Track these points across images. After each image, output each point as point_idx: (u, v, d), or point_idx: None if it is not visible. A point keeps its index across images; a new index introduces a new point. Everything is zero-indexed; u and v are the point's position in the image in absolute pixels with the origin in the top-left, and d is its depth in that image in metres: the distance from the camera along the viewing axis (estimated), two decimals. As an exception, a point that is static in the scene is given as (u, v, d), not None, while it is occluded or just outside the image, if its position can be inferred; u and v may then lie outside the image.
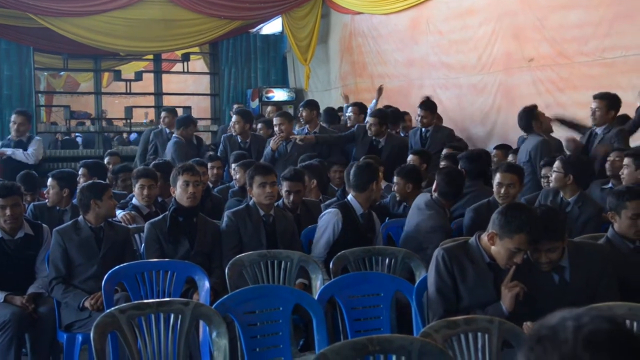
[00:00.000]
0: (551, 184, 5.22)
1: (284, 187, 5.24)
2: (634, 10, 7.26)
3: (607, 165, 5.63)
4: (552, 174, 5.16)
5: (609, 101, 6.17)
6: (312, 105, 8.13)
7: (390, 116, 8.10)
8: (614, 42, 7.44)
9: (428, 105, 7.86)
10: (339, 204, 5.03)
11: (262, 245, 4.70)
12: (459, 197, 5.24)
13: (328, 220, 4.85)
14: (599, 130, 6.22)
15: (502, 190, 4.88)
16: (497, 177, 4.94)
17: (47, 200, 5.71)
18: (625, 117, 6.68)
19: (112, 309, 3.16)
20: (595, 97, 6.20)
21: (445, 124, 8.79)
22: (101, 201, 4.53)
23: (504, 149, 7.43)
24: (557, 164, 5.12)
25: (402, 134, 8.55)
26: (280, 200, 5.36)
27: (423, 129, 7.75)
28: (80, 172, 6.35)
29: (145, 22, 11.59)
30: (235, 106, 10.81)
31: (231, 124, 8.12)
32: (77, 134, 12.87)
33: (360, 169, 4.99)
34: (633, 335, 1.23)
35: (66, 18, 11.08)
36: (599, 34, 7.62)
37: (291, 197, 5.23)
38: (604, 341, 1.18)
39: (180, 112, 10.09)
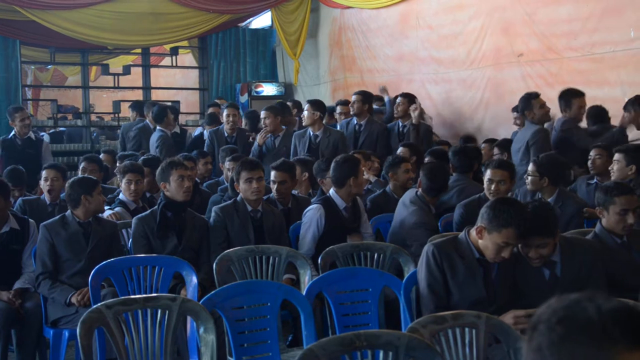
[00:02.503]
0: (528, 187, 5.19)
1: (271, 176, 5.29)
2: (622, 5, 7.28)
3: (589, 162, 5.64)
4: (527, 178, 5.14)
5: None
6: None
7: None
8: (602, 38, 7.46)
9: (405, 94, 7.91)
10: (322, 199, 5.04)
11: (249, 240, 4.69)
12: (443, 192, 5.24)
13: (311, 216, 4.89)
14: None
15: (493, 187, 4.88)
16: (488, 174, 4.94)
17: (37, 195, 5.69)
18: (599, 108, 6.69)
19: (99, 304, 3.13)
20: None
21: (434, 118, 8.81)
22: (92, 197, 4.50)
23: (492, 142, 7.44)
24: (531, 167, 5.11)
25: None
26: (272, 194, 5.37)
27: (400, 124, 7.76)
28: (84, 166, 6.30)
29: (133, 15, 11.52)
30: (217, 101, 10.82)
31: (224, 118, 8.05)
32: (61, 128, 12.77)
33: (338, 164, 4.99)
34: None
35: (53, 11, 10.99)
36: (588, 29, 7.64)
37: (275, 187, 5.28)
38: (629, 318, 1.21)
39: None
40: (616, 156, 5.26)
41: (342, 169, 4.95)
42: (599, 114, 6.64)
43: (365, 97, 7.77)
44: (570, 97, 6.40)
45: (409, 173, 5.69)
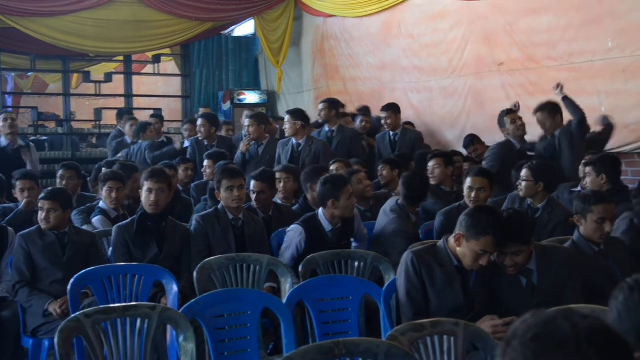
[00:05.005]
0: (520, 193, 5.22)
1: (251, 186, 5.26)
2: (600, 16, 7.36)
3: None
4: (521, 183, 5.15)
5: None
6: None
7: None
8: (581, 47, 7.54)
9: (390, 106, 7.94)
10: (305, 219, 4.79)
11: (231, 249, 4.67)
12: (423, 200, 5.26)
13: (291, 238, 4.72)
14: None
15: (473, 194, 4.91)
16: (468, 181, 4.97)
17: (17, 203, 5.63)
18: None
19: (77, 313, 3.11)
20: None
21: (416, 127, 8.86)
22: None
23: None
24: (525, 172, 5.12)
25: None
26: (252, 202, 5.37)
27: (391, 133, 7.83)
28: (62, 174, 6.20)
29: (115, 23, 11.47)
30: (201, 110, 10.83)
31: (197, 127, 8.09)
32: (43, 136, 12.69)
33: (321, 183, 4.78)
34: (618, 332, 1.28)
35: (34, 18, 10.92)
36: (567, 39, 7.72)
37: (254, 197, 5.27)
38: (603, 337, 1.21)
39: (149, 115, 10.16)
40: (587, 169, 5.34)
41: (324, 189, 4.71)
42: None
43: (331, 103, 7.88)
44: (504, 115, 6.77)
45: (362, 183, 5.67)
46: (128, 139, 8.83)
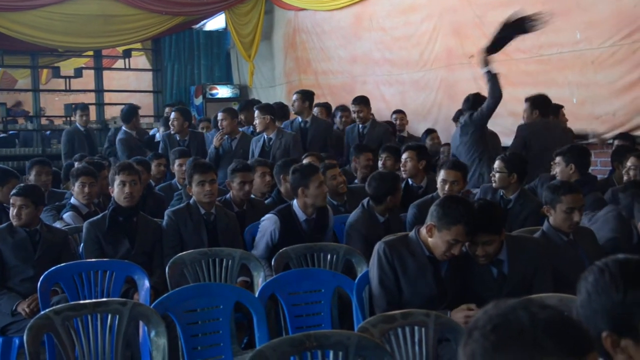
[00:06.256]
0: (494, 185, 5.23)
1: (238, 179, 5.21)
2: (568, 8, 7.44)
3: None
4: (495, 175, 5.17)
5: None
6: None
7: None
8: (549, 40, 7.60)
9: (361, 99, 7.97)
10: (280, 209, 4.83)
11: (203, 243, 4.66)
12: (383, 201, 5.05)
13: (266, 227, 4.73)
14: None
15: (447, 187, 4.94)
16: (442, 174, 5.00)
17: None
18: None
19: (47, 310, 3.09)
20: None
21: (389, 120, 8.90)
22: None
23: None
24: (498, 163, 5.14)
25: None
26: (228, 195, 5.34)
27: (360, 126, 7.85)
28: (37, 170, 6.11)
29: (84, 17, 11.31)
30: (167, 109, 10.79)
31: (170, 121, 8.09)
32: (12, 132, 12.52)
33: (291, 172, 4.84)
34: (577, 322, 1.29)
35: (1, 13, 10.75)
36: (536, 32, 7.77)
37: (246, 188, 5.23)
38: (561, 328, 1.22)
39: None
40: (556, 159, 5.40)
41: (293, 178, 4.77)
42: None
43: (304, 95, 7.94)
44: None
45: (336, 179, 5.64)
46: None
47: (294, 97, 7.97)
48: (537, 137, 6.38)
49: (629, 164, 5.42)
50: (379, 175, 4.99)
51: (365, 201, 4.93)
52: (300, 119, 7.86)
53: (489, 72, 6.24)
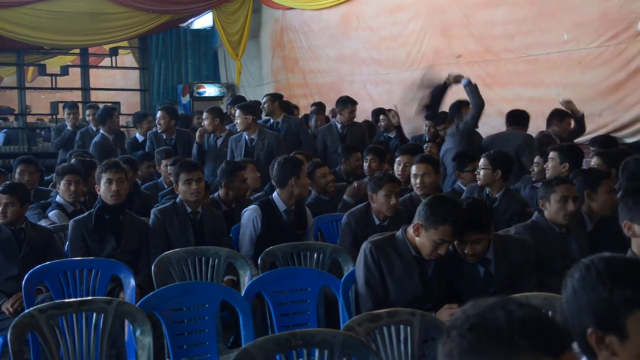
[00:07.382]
0: (479, 182, 5.25)
1: (238, 177, 5.37)
2: (556, 8, 7.48)
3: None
4: (480, 172, 5.19)
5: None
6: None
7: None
8: (537, 40, 7.65)
9: (347, 100, 7.96)
10: (261, 200, 4.99)
11: (189, 242, 4.64)
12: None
13: (248, 217, 4.83)
14: None
15: (418, 181, 5.02)
16: (413, 169, 5.07)
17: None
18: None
19: (31, 308, 3.06)
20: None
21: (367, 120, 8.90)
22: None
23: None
24: (483, 161, 5.17)
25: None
26: (216, 194, 5.37)
27: (339, 125, 7.81)
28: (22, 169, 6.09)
29: (70, 15, 11.26)
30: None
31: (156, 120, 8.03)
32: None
33: (279, 164, 4.93)
34: (554, 321, 1.28)
35: (-14, 10, 10.70)
36: (523, 32, 7.83)
37: (246, 185, 5.45)
38: (537, 328, 1.22)
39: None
40: (551, 154, 5.40)
41: (284, 169, 4.86)
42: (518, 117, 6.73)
43: (274, 96, 8.07)
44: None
45: (326, 177, 5.70)
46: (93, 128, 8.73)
47: (264, 99, 8.06)
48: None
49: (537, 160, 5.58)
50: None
51: (352, 209, 4.96)
52: (272, 120, 7.91)
53: (469, 84, 6.26)
